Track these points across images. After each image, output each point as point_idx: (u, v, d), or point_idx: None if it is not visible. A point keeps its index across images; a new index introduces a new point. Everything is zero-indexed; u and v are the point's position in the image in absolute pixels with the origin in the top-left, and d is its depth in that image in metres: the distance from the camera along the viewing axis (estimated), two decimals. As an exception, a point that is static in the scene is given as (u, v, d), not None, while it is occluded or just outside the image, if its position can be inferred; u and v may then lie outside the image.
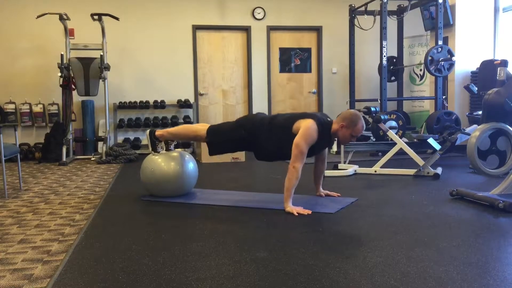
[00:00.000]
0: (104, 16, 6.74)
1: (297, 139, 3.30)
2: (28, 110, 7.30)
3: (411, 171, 4.86)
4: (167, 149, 3.95)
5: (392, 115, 6.34)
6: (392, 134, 5.14)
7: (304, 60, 8.34)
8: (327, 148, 3.75)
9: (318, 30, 8.30)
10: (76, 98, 7.13)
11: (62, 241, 2.70)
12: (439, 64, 6.28)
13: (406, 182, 4.51)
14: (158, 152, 3.88)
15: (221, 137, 3.67)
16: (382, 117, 5.37)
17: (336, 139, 3.56)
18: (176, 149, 4.02)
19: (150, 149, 3.90)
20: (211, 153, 3.74)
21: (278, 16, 8.12)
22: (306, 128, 3.31)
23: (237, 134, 3.60)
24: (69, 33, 6.92)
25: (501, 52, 6.82)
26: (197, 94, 7.94)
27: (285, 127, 3.42)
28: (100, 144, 7.25)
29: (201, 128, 3.76)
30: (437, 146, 4.97)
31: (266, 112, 8.12)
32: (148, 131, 3.91)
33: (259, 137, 3.53)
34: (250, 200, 3.71)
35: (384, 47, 6.59)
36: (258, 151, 3.63)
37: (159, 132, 3.88)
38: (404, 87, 7.92)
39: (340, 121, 3.39)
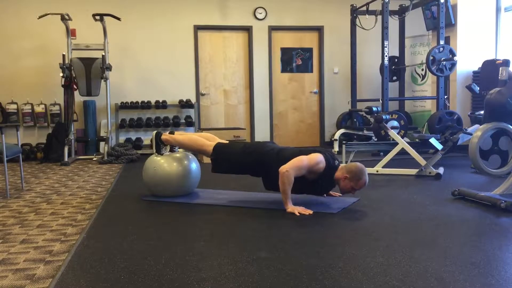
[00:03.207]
0: (106, 16, 6.74)
1: (302, 156, 3.31)
2: (30, 110, 7.31)
3: (413, 171, 4.86)
4: (171, 150, 3.96)
5: (393, 115, 6.34)
6: (394, 134, 5.14)
7: (306, 60, 8.34)
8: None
9: (319, 30, 8.29)
10: (78, 98, 7.13)
11: (64, 241, 2.70)
12: (441, 64, 6.27)
13: (408, 182, 4.50)
14: (162, 154, 3.88)
15: (227, 158, 3.65)
16: (383, 117, 5.36)
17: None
18: (179, 149, 4.03)
19: (154, 150, 3.90)
20: (214, 170, 3.72)
21: (280, 16, 8.12)
22: (315, 156, 3.32)
23: (243, 159, 3.59)
24: (70, 33, 6.92)
25: (503, 51, 6.81)
26: (198, 94, 7.94)
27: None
28: (102, 144, 7.25)
29: (208, 143, 3.74)
30: (439, 146, 4.97)
31: (268, 112, 8.13)
32: (154, 132, 3.91)
33: (265, 167, 3.51)
34: (252, 200, 3.71)
35: (386, 47, 6.58)
36: (265, 181, 3.61)
37: (165, 136, 3.88)
38: (406, 87, 7.91)
39: (344, 172, 3.36)
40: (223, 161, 3.67)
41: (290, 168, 3.25)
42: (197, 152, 3.99)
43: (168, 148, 3.94)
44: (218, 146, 3.70)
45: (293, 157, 3.36)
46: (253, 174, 3.70)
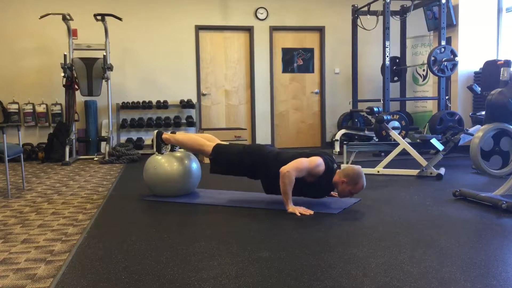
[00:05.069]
0: (107, 16, 6.75)
1: (302, 158, 3.32)
2: (31, 110, 7.31)
3: (414, 172, 4.86)
4: (172, 150, 3.97)
5: (395, 116, 6.34)
6: (395, 134, 5.13)
7: (307, 60, 8.34)
8: None
9: (320, 30, 8.29)
10: (79, 98, 7.13)
11: (65, 241, 2.70)
12: (442, 64, 6.26)
13: (409, 183, 4.50)
14: (162, 153, 3.90)
15: (225, 159, 3.66)
16: (385, 117, 5.36)
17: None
18: (180, 149, 4.05)
19: (155, 149, 3.91)
20: (212, 171, 3.74)
21: (281, 16, 8.12)
22: (315, 159, 3.33)
23: (242, 160, 3.59)
24: (72, 33, 6.93)
25: (504, 52, 6.81)
26: (199, 94, 7.94)
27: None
28: (103, 144, 7.26)
29: (207, 144, 3.75)
30: (440, 147, 4.96)
31: (269, 113, 8.13)
32: (155, 132, 3.93)
33: (264, 169, 3.52)
34: (253, 200, 3.71)
35: (387, 47, 6.58)
36: (264, 184, 3.61)
37: (166, 135, 3.90)
38: (407, 88, 7.91)
39: (342, 176, 3.35)
40: (222, 161, 3.67)
41: (290, 169, 3.25)
42: (197, 152, 4.00)
43: (169, 147, 3.96)
44: (217, 147, 3.71)
45: (293, 159, 3.36)
46: (251, 176, 3.70)
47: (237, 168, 3.66)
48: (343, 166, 3.49)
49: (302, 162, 3.29)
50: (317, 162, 3.31)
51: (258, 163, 3.55)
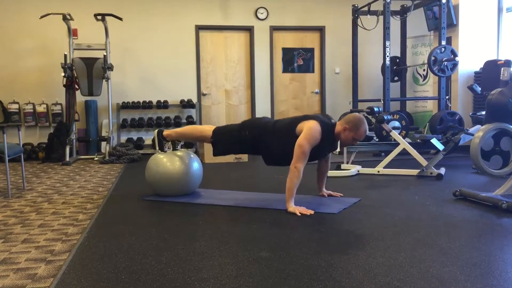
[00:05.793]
0: (108, 16, 6.75)
1: (300, 140, 3.31)
2: (32, 110, 7.32)
3: (414, 172, 4.85)
4: (174, 149, 3.99)
5: (395, 115, 6.33)
6: (395, 134, 5.13)
7: (307, 60, 8.34)
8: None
9: (321, 30, 8.29)
10: (80, 98, 7.14)
11: (66, 241, 2.70)
12: (443, 64, 6.26)
13: (409, 183, 4.50)
14: (165, 152, 3.91)
15: (225, 138, 3.70)
16: (385, 117, 5.36)
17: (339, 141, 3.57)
18: (181, 148, 4.06)
19: (157, 148, 3.93)
20: (215, 153, 3.77)
21: (281, 16, 8.12)
22: (309, 129, 3.32)
23: (240, 136, 3.63)
24: (72, 33, 6.93)
25: (505, 52, 6.81)
26: (200, 94, 7.94)
27: (289, 130, 3.44)
28: (103, 144, 7.27)
29: (207, 128, 3.82)
30: (440, 147, 4.96)
31: (269, 112, 8.13)
32: (156, 130, 3.97)
33: (263, 140, 3.56)
34: (253, 200, 3.71)
35: (387, 47, 6.58)
36: (264, 155, 3.65)
37: (166, 132, 3.94)
38: (407, 87, 7.91)
39: (343, 124, 3.41)
40: (223, 142, 3.71)
41: (298, 162, 3.28)
42: (199, 139, 4.05)
43: (171, 146, 3.97)
44: (217, 129, 3.77)
45: (289, 127, 3.42)
46: (253, 151, 3.75)
47: (238, 144, 3.69)
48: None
49: (304, 146, 3.29)
50: (313, 130, 3.31)
51: (257, 135, 3.58)
